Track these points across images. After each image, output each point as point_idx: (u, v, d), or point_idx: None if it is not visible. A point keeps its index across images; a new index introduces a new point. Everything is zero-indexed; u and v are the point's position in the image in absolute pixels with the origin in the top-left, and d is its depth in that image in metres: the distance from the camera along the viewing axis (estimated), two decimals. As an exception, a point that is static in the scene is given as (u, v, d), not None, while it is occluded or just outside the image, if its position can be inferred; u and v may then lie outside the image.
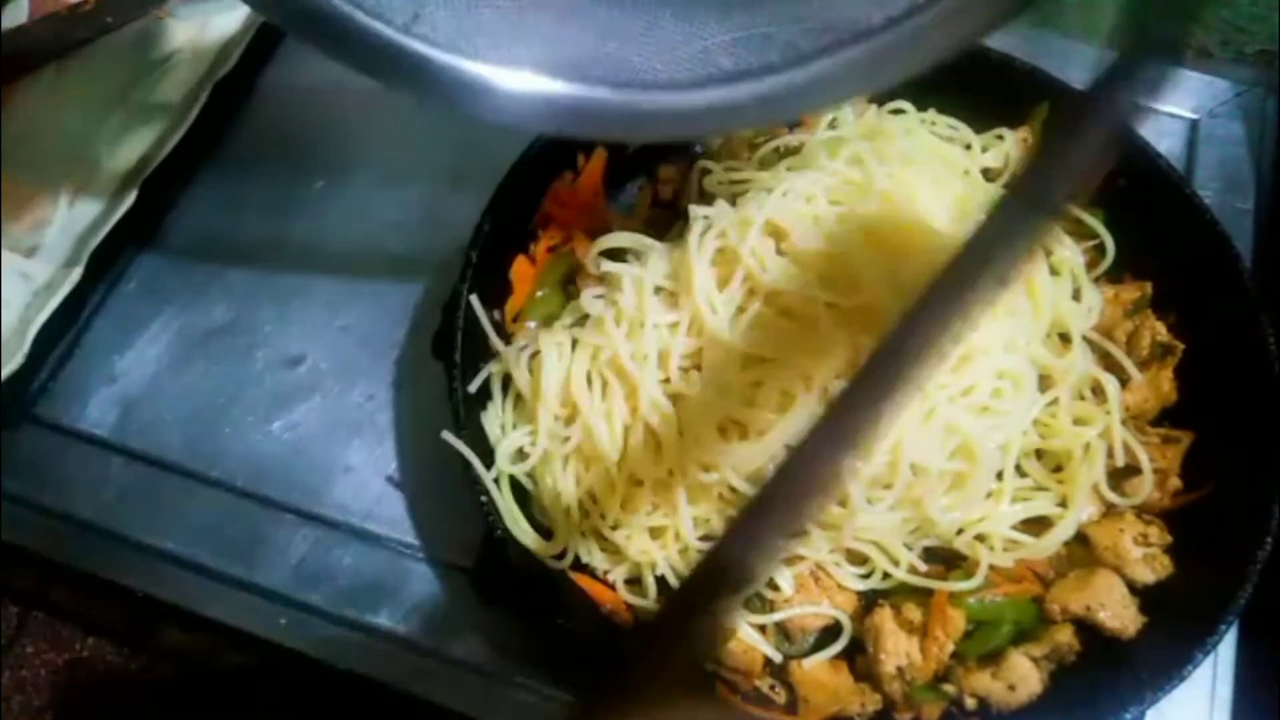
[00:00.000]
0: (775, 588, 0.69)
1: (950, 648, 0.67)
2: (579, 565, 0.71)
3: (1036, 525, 0.71)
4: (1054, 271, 0.77)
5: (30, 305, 0.83)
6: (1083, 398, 0.74)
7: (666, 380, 0.71)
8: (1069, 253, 0.78)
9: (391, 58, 0.53)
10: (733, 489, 0.68)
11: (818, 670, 0.68)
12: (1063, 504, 0.71)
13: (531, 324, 0.79)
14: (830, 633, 0.70)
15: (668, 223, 0.82)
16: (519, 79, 0.54)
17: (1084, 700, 0.65)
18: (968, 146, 0.83)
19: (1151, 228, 0.78)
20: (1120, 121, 0.45)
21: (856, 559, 0.71)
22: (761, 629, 0.69)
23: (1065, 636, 0.68)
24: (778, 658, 0.69)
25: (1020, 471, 0.71)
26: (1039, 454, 0.72)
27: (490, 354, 0.76)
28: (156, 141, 0.89)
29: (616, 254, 0.78)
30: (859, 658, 0.69)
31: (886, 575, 0.70)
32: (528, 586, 0.70)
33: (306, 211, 0.94)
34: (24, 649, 0.86)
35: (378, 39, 0.52)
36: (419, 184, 0.94)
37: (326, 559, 0.78)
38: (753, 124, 0.76)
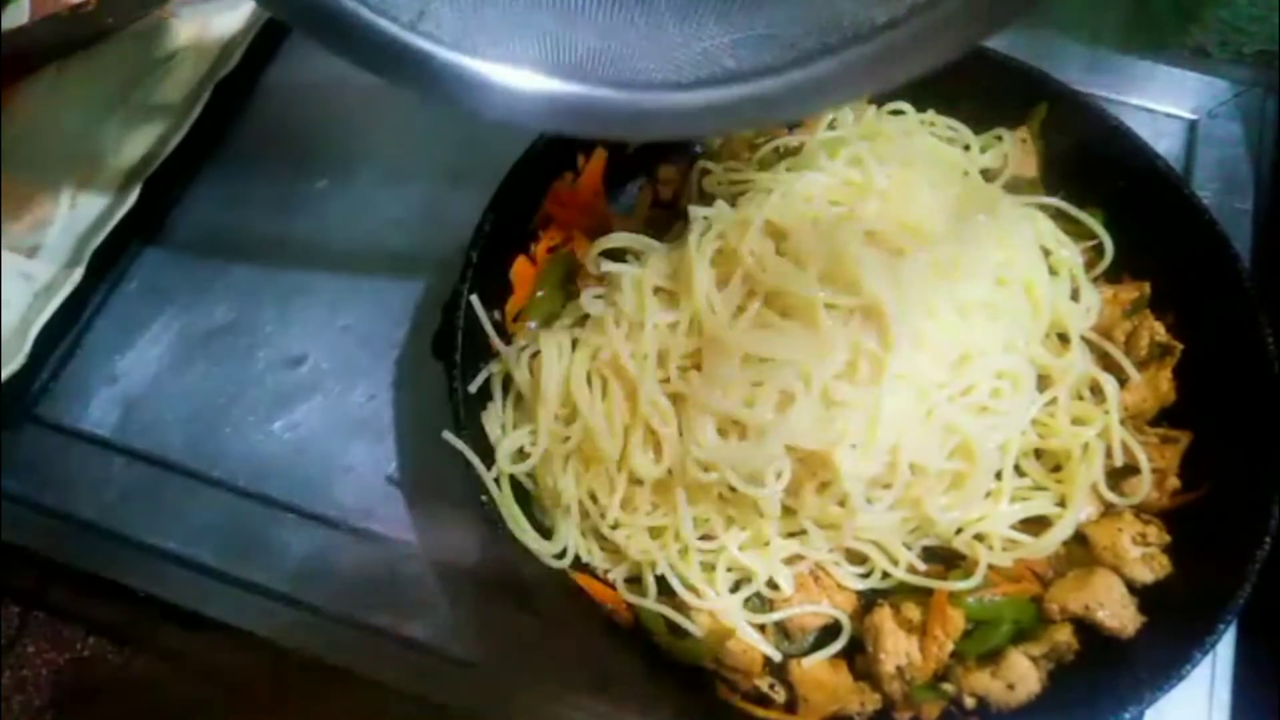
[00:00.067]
0: (775, 587, 0.69)
1: (949, 647, 0.67)
2: (579, 565, 0.71)
3: (1035, 525, 0.71)
4: (1053, 271, 0.77)
5: (31, 305, 0.83)
6: (1081, 398, 0.74)
7: (666, 380, 0.71)
8: (1068, 253, 0.78)
9: (395, 54, 0.53)
10: (732, 489, 0.68)
11: (817, 669, 0.68)
12: (1061, 503, 0.71)
13: (532, 324, 0.79)
14: (830, 632, 0.70)
15: (668, 223, 0.82)
16: (521, 77, 0.54)
17: (1083, 699, 0.65)
18: (967, 147, 0.83)
19: (1150, 228, 0.78)
20: None
21: (856, 558, 0.71)
22: (761, 628, 0.69)
23: (1064, 636, 0.68)
24: (777, 657, 0.69)
25: (1019, 471, 0.71)
26: (1038, 454, 0.72)
27: (490, 354, 0.76)
28: (158, 141, 0.89)
29: (616, 254, 0.78)
30: (858, 657, 0.69)
31: (886, 575, 0.70)
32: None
33: (308, 210, 0.94)
34: (25, 649, 0.86)
35: (382, 35, 0.52)
36: (420, 182, 0.94)
37: (327, 559, 0.78)
38: (753, 124, 0.77)
